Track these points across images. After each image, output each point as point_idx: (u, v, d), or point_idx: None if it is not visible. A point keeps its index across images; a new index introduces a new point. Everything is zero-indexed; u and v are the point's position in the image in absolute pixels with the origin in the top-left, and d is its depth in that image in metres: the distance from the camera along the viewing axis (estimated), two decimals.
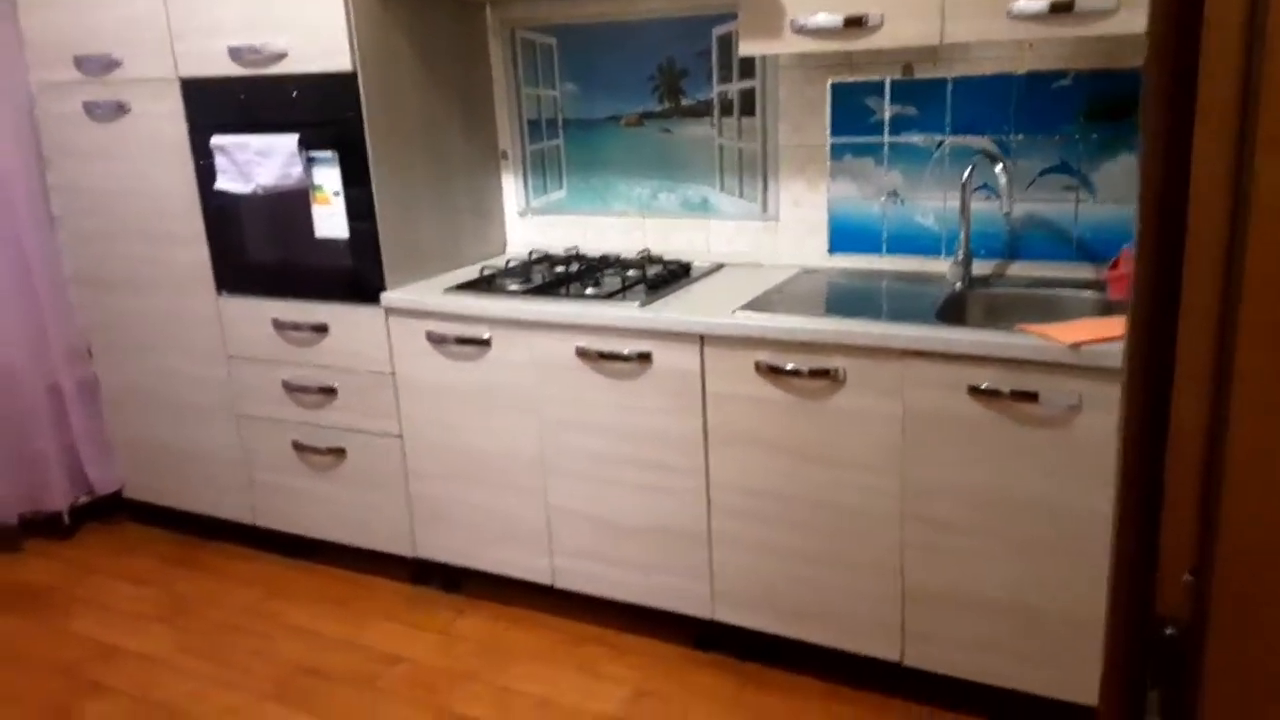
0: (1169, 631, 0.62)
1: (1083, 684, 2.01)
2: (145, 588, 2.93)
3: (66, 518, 3.22)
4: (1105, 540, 1.91)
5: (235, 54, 2.59)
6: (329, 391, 2.75)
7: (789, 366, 2.14)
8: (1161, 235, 0.59)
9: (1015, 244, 2.45)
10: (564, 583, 2.58)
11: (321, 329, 2.71)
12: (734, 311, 2.23)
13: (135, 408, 3.14)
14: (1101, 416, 1.87)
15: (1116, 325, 1.94)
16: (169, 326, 2.98)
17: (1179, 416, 0.57)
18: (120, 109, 2.82)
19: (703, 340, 2.22)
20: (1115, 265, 2.22)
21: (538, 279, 2.61)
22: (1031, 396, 1.93)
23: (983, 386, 1.97)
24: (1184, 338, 0.56)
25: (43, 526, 3.23)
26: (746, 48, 2.26)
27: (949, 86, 2.42)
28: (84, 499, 3.26)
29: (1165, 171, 0.58)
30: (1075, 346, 1.86)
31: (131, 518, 3.35)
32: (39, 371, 3.09)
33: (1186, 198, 0.58)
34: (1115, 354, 1.83)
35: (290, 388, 2.81)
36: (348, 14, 2.43)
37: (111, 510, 3.35)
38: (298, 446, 2.86)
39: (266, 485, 2.97)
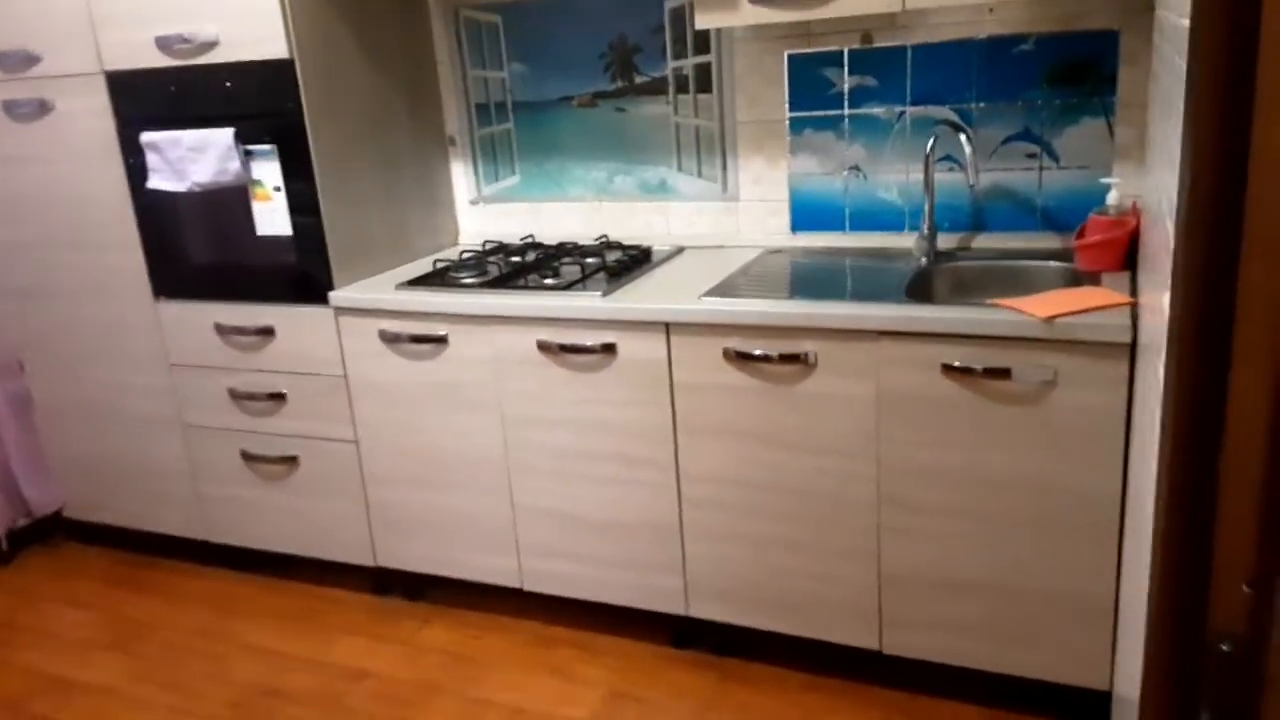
0: (1224, 648, 0.55)
1: (1064, 664, 1.97)
2: (91, 613, 2.79)
3: (4, 543, 3.06)
4: (1084, 516, 1.87)
5: (163, 44, 2.44)
6: (278, 397, 2.63)
7: (758, 352, 2.07)
8: (1212, 215, 0.52)
9: (980, 216, 2.40)
10: (532, 585, 2.50)
11: (267, 332, 2.58)
12: (699, 297, 2.15)
13: (72, 423, 2.99)
14: (1077, 391, 1.82)
15: (1090, 296, 1.89)
16: (105, 336, 2.83)
17: (1237, 409, 0.50)
18: (43, 107, 2.66)
19: (668, 328, 2.14)
20: (1082, 233, 2.17)
21: (493, 271, 2.51)
22: (1005, 373, 1.88)
23: (956, 364, 1.91)
24: (1243, 323, 0.49)
25: None
26: (702, 20, 2.17)
27: (909, 55, 2.36)
28: (22, 521, 3.10)
29: (1218, 148, 0.50)
30: (1049, 320, 1.81)
31: (72, 538, 3.19)
32: None
33: (1233, 175, 0.50)
34: (1090, 326, 1.77)
35: (237, 395, 2.68)
36: None
37: (51, 531, 3.19)
38: (247, 456, 2.73)
39: (215, 498, 2.83)
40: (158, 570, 2.99)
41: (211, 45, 2.40)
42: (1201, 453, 0.56)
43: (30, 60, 2.63)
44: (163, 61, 2.47)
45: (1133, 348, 1.75)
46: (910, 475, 2.01)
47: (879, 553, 2.08)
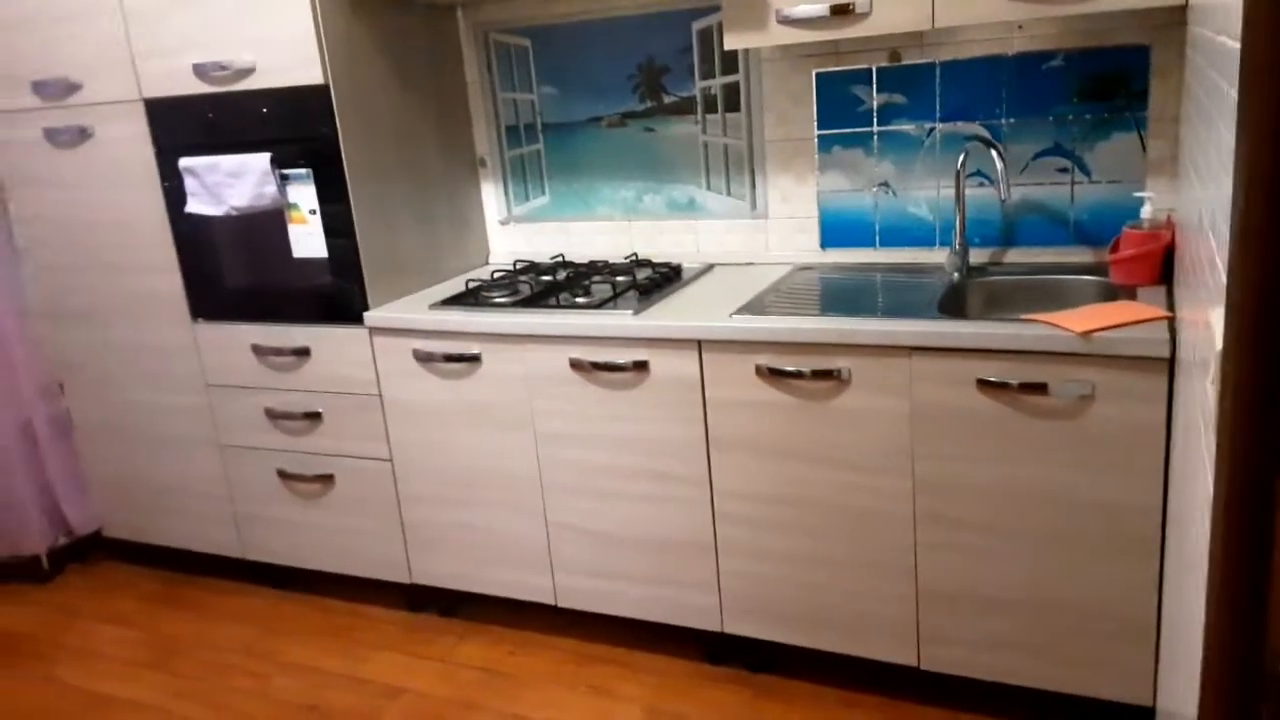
0: None
1: (1105, 680, 1.96)
2: (132, 630, 2.82)
3: (45, 561, 3.11)
4: (1124, 532, 1.86)
5: (200, 71, 2.49)
6: (314, 417, 2.66)
7: (790, 369, 2.07)
8: (1267, 230, 0.52)
9: (1011, 230, 2.40)
10: (567, 601, 2.50)
11: (303, 352, 2.62)
12: (731, 315, 2.16)
13: (111, 443, 3.03)
14: (1115, 405, 1.82)
15: (1127, 310, 1.89)
16: (143, 358, 2.87)
17: None
18: (83, 134, 2.72)
19: (700, 346, 2.15)
20: (1116, 247, 2.16)
21: (525, 290, 2.54)
22: (1041, 388, 1.87)
23: (991, 379, 1.91)
24: None
25: (20, 571, 3.11)
26: (731, 41, 2.19)
27: (937, 71, 2.37)
28: (63, 540, 3.15)
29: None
30: (1086, 335, 1.81)
31: (112, 557, 3.23)
32: (10, 410, 2.98)
33: None
34: (1128, 341, 1.77)
35: (273, 415, 2.72)
36: (316, 24, 2.33)
37: (90, 550, 3.24)
38: (283, 475, 2.76)
39: (252, 517, 2.87)
40: (196, 589, 3.02)
41: (248, 72, 2.45)
42: (1259, 471, 0.57)
43: (71, 88, 2.69)
44: (200, 89, 2.52)
45: (1171, 362, 1.74)
46: (946, 491, 2.01)
47: (916, 568, 2.08)
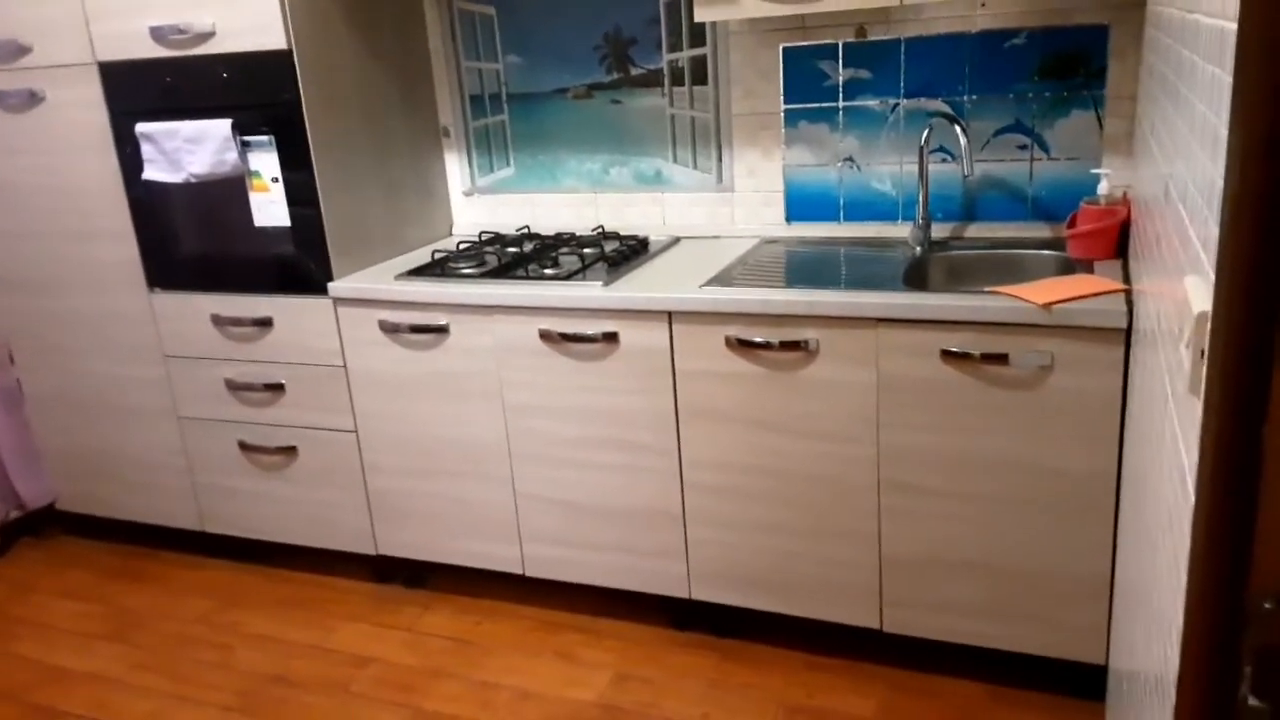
0: (1267, 606, 0.60)
1: (1061, 640, 2.04)
2: (88, 604, 2.78)
3: None
4: (1080, 497, 1.93)
5: (158, 34, 2.43)
6: (276, 388, 2.63)
7: (759, 339, 2.11)
8: (1260, 203, 0.56)
9: (972, 205, 2.45)
10: (535, 570, 2.53)
11: (265, 323, 2.59)
12: (700, 286, 2.18)
13: (65, 415, 2.97)
14: (1073, 375, 1.88)
15: (1084, 283, 1.95)
16: (98, 328, 2.81)
17: None
18: (33, 97, 2.64)
19: (670, 317, 2.17)
20: (1073, 223, 2.23)
21: (492, 261, 2.53)
22: (1002, 358, 1.93)
23: (954, 350, 1.96)
24: None
25: None
26: (701, 14, 2.20)
27: (902, 48, 2.40)
28: (15, 514, 3.08)
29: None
30: (1047, 306, 1.86)
31: (67, 531, 3.18)
32: None
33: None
34: (1087, 312, 1.83)
35: (234, 386, 2.68)
36: None
37: (44, 524, 3.17)
38: (245, 447, 2.73)
39: (213, 489, 2.84)
40: (155, 562, 2.98)
41: (208, 36, 2.40)
42: (1245, 429, 0.61)
43: (20, 50, 2.61)
44: (158, 52, 2.46)
45: (1128, 333, 1.81)
46: (910, 459, 2.06)
47: (880, 535, 2.13)
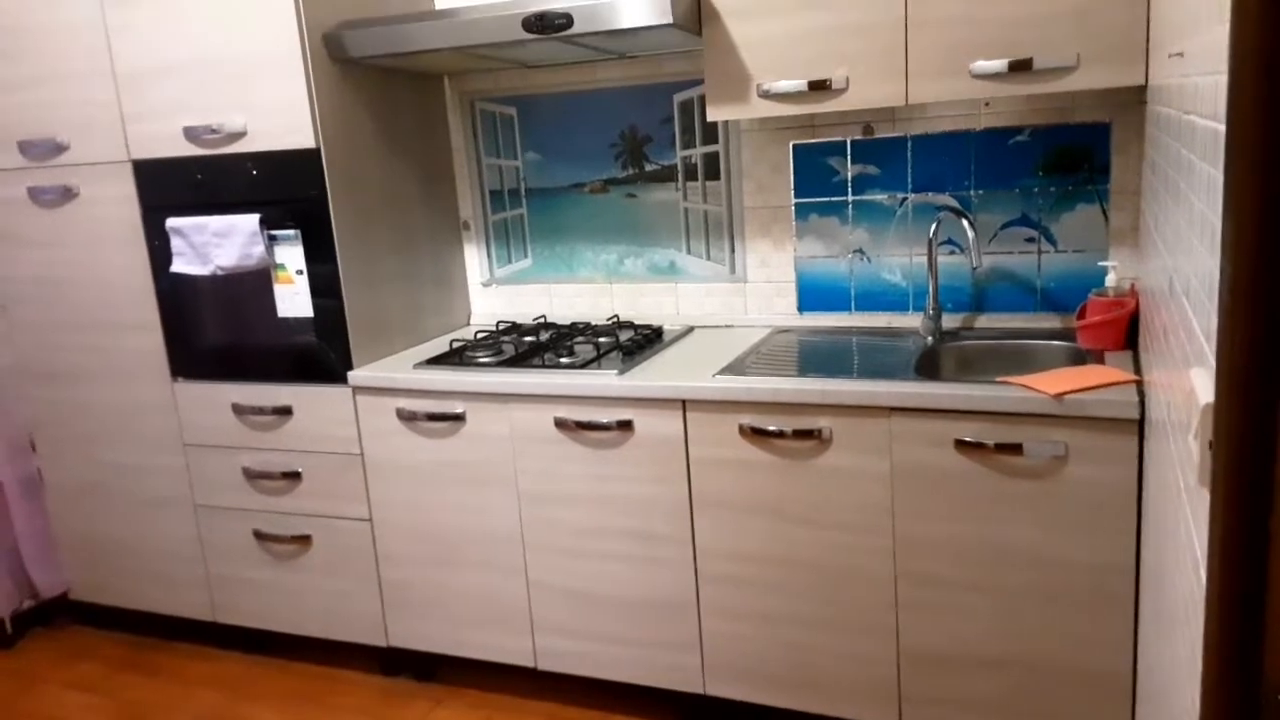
0: None
1: None
2: (97, 697, 2.75)
3: (8, 625, 3.03)
4: (1099, 589, 1.90)
5: (191, 134, 2.53)
6: (293, 476, 2.65)
7: (773, 428, 2.12)
8: (1256, 298, 0.58)
9: (982, 296, 2.49)
10: (547, 664, 2.49)
11: (284, 411, 2.62)
12: (714, 375, 2.21)
13: (83, 504, 2.99)
14: (1088, 466, 1.88)
15: (1096, 374, 1.96)
16: (120, 417, 2.85)
17: None
18: (67, 193, 2.73)
19: (685, 405, 2.19)
20: (1082, 314, 2.25)
21: (509, 350, 2.57)
22: (1016, 448, 1.93)
23: (968, 439, 1.96)
24: None
25: None
26: (714, 114, 2.28)
27: (909, 145, 2.47)
28: (28, 604, 3.08)
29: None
30: (1059, 397, 1.87)
31: (78, 621, 3.16)
32: None
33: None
34: (1099, 403, 1.84)
35: (251, 474, 2.70)
36: (309, 90, 2.39)
37: (56, 614, 3.16)
38: (259, 536, 2.74)
39: (226, 579, 2.83)
40: (165, 653, 2.96)
41: (239, 135, 2.49)
42: (1254, 517, 0.62)
43: (58, 149, 2.71)
44: (190, 151, 2.56)
45: (1141, 423, 1.81)
46: (926, 550, 2.05)
47: (898, 628, 2.11)
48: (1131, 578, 1.88)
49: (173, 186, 2.61)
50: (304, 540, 2.69)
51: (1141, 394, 1.82)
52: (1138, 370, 1.96)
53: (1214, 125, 0.77)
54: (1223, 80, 0.67)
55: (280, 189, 2.49)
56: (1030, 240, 2.41)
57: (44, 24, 2.62)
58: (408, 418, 2.48)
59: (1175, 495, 1.17)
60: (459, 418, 2.42)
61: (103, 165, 2.67)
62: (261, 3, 2.38)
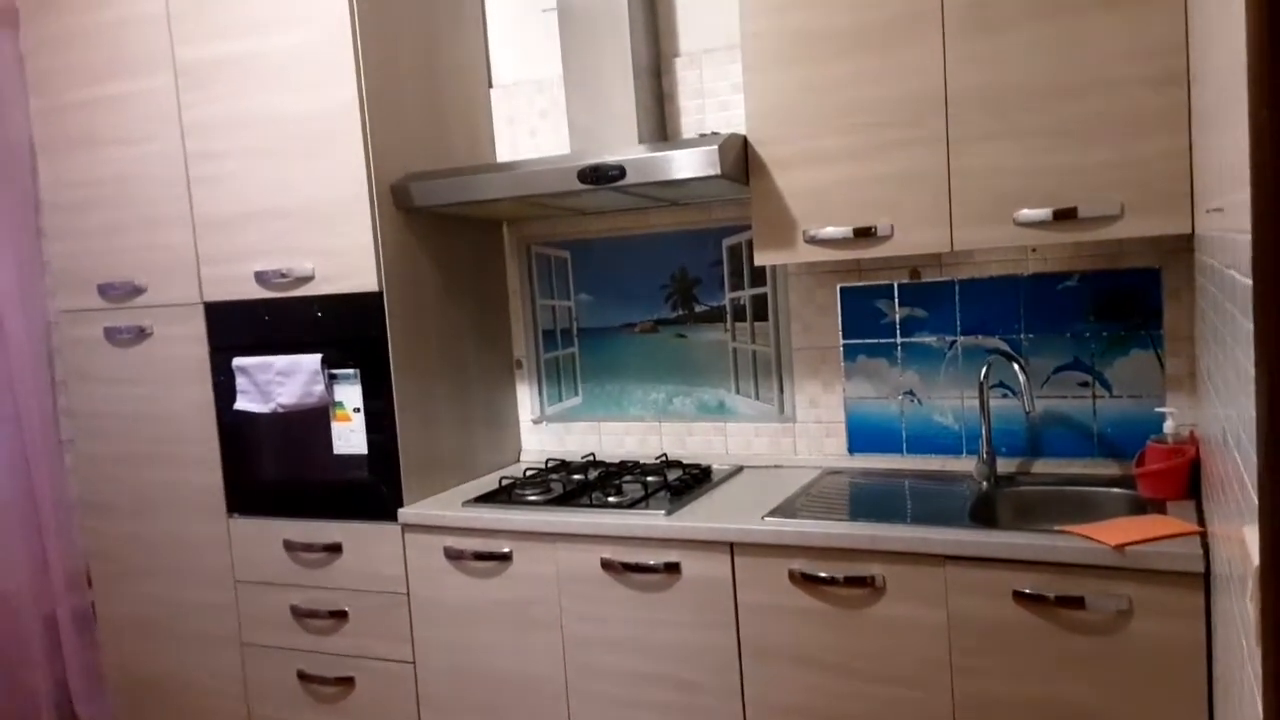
0: None
1: None
2: None
3: None
4: None
5: (262, 278, 2.65)
6: (339, 615, 2.64)
7: (824, 574, 2.07)
8: None
9: (1037, 441, 2.44)
10: None
11: (334, 549, 2.64)
12: (763, 517, 2.18)
13: (133, 639, 3.00)
14: (1153, 621, 1.79)
15: (1159, 524, 1.90)
16: (175, 551, 2.89)
17: None
18: (141, 333, 2.86)
19: (733, 549, 2.16)
20: (1141, 461, 2.19)
21: (557, 488, 2.57)
22: (1078, 602, 1.86)
23: (1027, 591, 1.89)
24: None
25: None
26: (761, 259, 2.33)
27: (956, 289, 2.49)
28: None
29: None
30: (1120, 548, 1.81)
31: None
32: (37, 600, 2.98)
33: None
34: (1162, 555, 1.77)
35: (299, 613, 2.70)
36: (375, 237, 2.51)
37: None
38: (303, 677, 2.71)
39: None
40: None
41: (307, 279, 2.61)
42: None
43: (135, 291, 2.86)
44: (259, 294, 2.68)
45: (1207, 577, 1.74)
46: (987, 708, 1.95)
47: None
48: None
49: (240, 327, 2.72)
50: (347, 682, 2.65)
51: (1206, 546, 1.76)
52: (1201, 521, 1.89)
53: (1245, 280, 0.77)
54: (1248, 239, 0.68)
55: (342, 329, 2.58)
56: (1084, 385, 2.38)
57: (136, 174, 2.81)
58: (455, 556, 2.47)
59: (1239, 656, 1.11)
60: (506, 557, 2.41)
61: (176, 307, 2.80)
62: (336, 157, 2.53)
